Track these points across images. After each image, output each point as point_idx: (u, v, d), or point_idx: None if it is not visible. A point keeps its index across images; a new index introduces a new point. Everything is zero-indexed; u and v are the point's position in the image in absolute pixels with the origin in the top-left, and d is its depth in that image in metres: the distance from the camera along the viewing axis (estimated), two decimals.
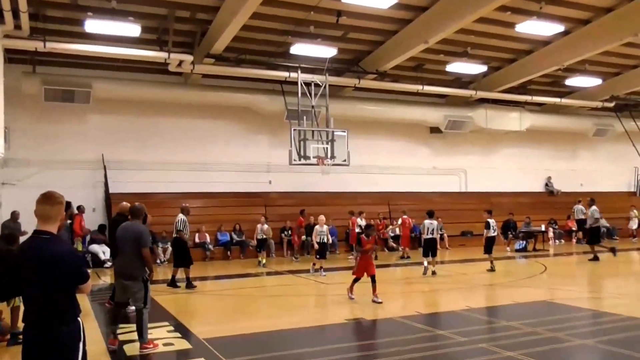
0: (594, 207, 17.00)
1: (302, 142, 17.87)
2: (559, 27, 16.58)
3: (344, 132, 18.34)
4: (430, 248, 13.89)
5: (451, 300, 10.33)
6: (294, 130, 17.91)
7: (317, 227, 13.90)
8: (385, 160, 23.00)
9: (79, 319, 3.58)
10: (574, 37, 17.61)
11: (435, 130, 24.19)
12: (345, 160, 18.28)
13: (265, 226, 17.21)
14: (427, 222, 13.99)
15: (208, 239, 18.80)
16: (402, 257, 17.77)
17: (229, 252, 18.89)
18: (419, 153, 24.39)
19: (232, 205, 20.32)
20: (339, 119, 18.83)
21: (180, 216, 12.60)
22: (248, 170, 20.96)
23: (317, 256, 13.83)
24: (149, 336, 7.16)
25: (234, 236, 19.22)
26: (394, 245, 19.85)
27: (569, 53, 18.30)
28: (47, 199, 3.60)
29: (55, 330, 3.44)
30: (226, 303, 10.85)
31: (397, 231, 19.60)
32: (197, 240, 18.55)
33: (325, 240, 13.86)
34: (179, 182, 19.67)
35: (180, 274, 12.29)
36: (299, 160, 17.88)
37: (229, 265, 17.44)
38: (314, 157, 17.95)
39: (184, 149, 20.16)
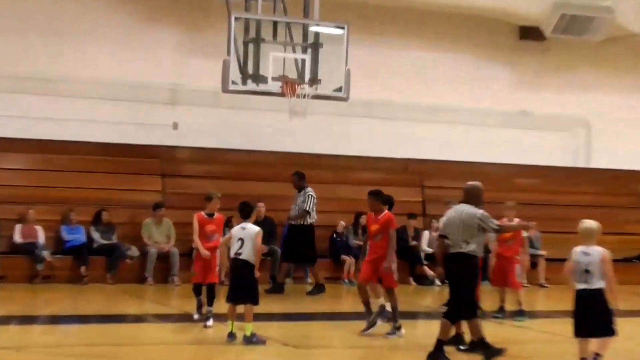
0: None
1: (249, 45, 12.05)
2: None
3: (342, 28, 12.25)
4: None
5: None
6: (235, 19, 12.12)
7: None
8: (422, 93, 13.98)
9: None
10: None
11: (530, 33, 15.02)
12: (340, 89, 12.19)
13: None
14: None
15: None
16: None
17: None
18: (492, 82, 14.83)
19: (96, 169, 12.57)
20: (331, 2, 12.09)
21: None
22: (129, 99, 12.72)
23: None
24: None
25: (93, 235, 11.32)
26: (430, 271, 11.06)
27: None
28: None
29: None
30: None
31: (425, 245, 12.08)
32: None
33: None
34: None
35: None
36: (243, 84, 11.96)
37: None
38: (273, 79, 12.01)
39: None
